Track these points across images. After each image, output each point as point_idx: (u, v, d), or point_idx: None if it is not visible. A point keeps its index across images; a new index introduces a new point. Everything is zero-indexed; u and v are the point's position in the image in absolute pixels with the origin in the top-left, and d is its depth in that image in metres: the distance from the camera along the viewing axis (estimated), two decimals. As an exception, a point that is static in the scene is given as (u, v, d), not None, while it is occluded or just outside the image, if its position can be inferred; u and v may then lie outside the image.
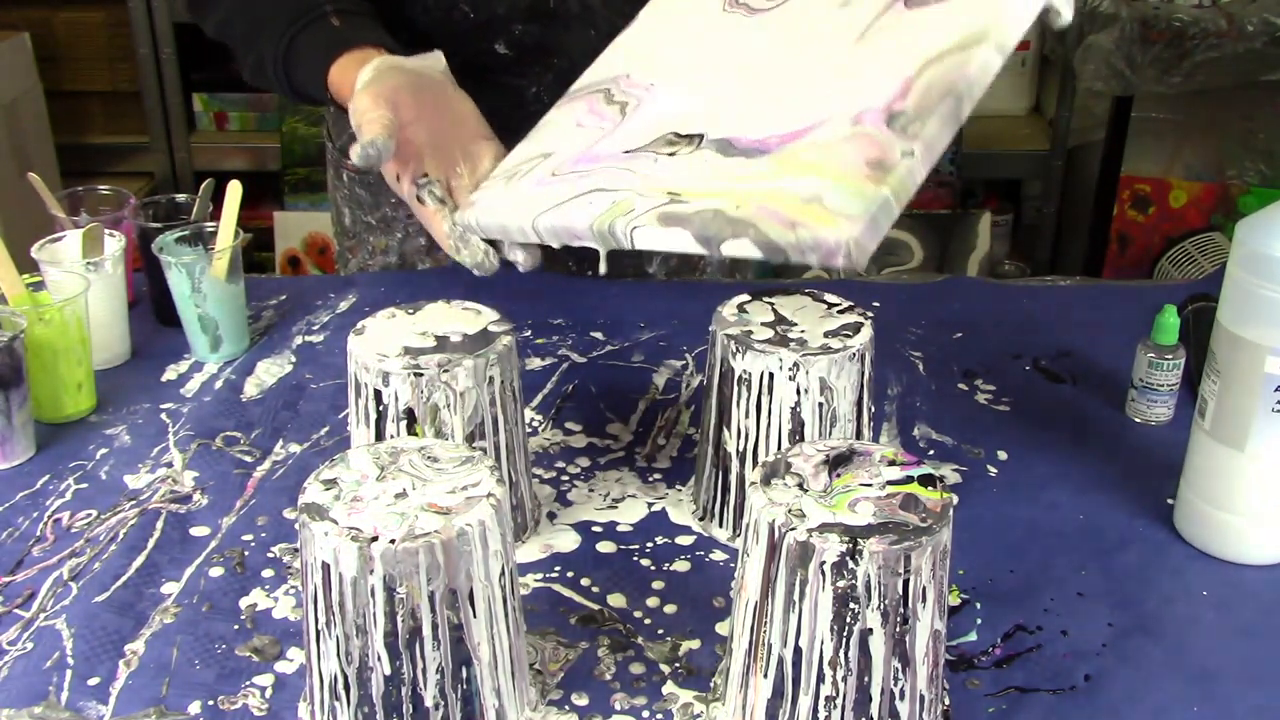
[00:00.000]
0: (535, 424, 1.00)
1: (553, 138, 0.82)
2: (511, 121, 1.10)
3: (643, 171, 0.71)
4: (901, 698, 0.64)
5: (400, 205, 1.20)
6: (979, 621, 0.78)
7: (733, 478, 0.84)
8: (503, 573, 0.65)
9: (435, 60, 0.90)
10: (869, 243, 0.59)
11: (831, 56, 0.70)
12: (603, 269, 0.73)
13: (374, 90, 0.84)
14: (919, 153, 0.61)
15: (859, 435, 0.84)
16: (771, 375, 0.80)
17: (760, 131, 0.68)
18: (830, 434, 0.82)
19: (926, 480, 0.65)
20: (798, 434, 0.81)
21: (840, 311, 0.85)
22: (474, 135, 0.88)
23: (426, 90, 0.87)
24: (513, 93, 1.09)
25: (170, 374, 1.07)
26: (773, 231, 0.61)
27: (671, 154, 0.71)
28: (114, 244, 1.08)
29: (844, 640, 0.62)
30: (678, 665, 0.74)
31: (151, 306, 1.16)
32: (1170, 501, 0.88)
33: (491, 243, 0.82)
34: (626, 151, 0.74)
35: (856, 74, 0.68)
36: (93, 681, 0.73)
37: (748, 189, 0.65)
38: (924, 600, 0.62)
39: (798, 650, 0.63)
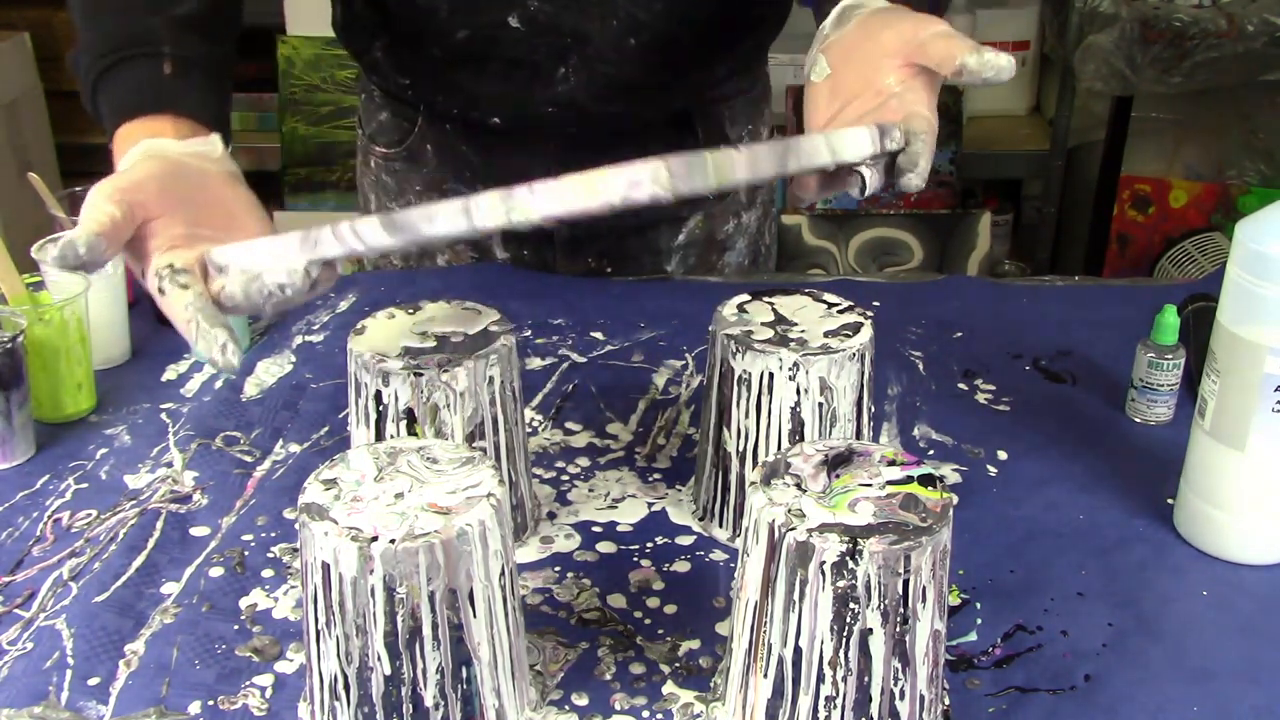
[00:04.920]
0: (535, 424, 1.00)
1: None
2: (519, 107, 1.09)
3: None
4: (901, 698, 0.64)
5: (423, 194, 1.20)
6: (979, 621, 0.78)
7: (733, 478, 0.84)
8: (503, 573, 0.66)
9: (211, 147, 0.81)
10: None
11: None
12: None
13: (116, 181, 0.75)
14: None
15: (859, 435, 0.84)
16: (771, 375, 0.80)
17: None
18: (830, 434, 0.82)
19: (926, 480, 0.65)
20: (798, 434, 0.81)
21: (840, 311, 0.85)
22: (241, 226, 0.79)
23: (183, 181, 0.78)
24: (520, 75, 1.07)
25: (170, 374, 1.07)
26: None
27: None
28: (114, 244, 1.08)
29: (844, 640, 0.62)
30: (678, 665, 0.74)
31: (151, 306, 1.16)
32: (1170, 501, 0.88)
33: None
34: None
35: None
36: (93, 681, 0.73)
37: None
38: (924, 600, 0.62)
39: (798, 650, 0.63)
